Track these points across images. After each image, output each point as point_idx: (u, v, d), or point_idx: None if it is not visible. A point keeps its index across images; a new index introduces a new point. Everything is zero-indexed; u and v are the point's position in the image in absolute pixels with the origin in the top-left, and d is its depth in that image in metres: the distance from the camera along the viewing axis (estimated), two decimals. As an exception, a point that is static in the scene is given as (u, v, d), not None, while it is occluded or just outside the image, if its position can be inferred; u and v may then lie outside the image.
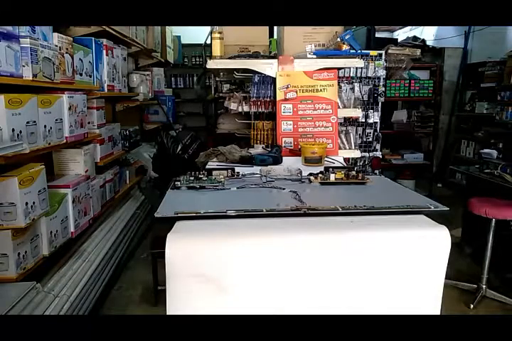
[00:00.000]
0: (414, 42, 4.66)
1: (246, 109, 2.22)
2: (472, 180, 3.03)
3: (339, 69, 2.43)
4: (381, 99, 3.08)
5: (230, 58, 2.22)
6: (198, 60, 6.03)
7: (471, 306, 2.37)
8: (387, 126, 4.25)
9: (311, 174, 1.53)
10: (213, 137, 2.61)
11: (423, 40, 4.83)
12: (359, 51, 2.21)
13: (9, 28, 1.55)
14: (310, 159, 1.80)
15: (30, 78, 1.68)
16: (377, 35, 4.41)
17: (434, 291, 1.05)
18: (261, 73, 2.14)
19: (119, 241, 2.71)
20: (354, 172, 1.48)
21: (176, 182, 1.39)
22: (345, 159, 2.09)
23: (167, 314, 0.99)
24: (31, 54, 1.66)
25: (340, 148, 2.32)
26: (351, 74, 2.99)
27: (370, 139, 2.97)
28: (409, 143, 4.94)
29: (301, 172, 1.55)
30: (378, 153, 3.01)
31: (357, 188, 1.43)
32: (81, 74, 2.26)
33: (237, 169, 1.61)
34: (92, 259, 2.24)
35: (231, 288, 1.00)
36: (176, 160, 2.59)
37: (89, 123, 2.42)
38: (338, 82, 2.53)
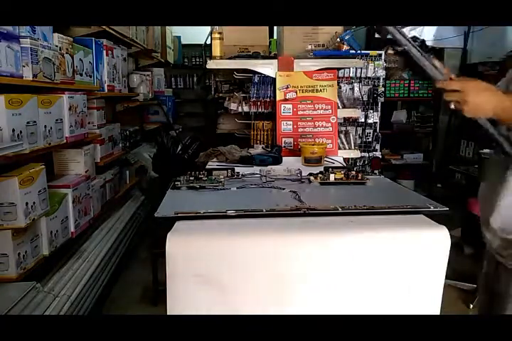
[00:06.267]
0: (414, 42, 4.66)
1: (246, 109, 2.22)
2: (472, 180, 3.03)
3: (339, 69, 2.43)
4: (381, 100, 3.09)
5: (229, 58, 2.22)
6: (198, 60, 6.03)
7: (471, 306, 2.37)
8: (386, 126, 4.25)
9: (310, 174, 1.52)
10: (213, 137, 2.61)
11: (423, 41, 4.82)
12: (359, 51, 2.21)
13: (9, 28, 1.55)
14: (310, 159, 1.80)
15: (31, 78, 1.68)
16: (377, 35, 4.40)
17: (434, 291, 1.05)
18: (261, 73, 2.14)
19: (119, 241, 2.71)
20: (354, 173, 1.48)
21: (176, 182, 1.39)
22: (344, 159, 2.09)
23: (167, 314, 0.99)
24: (31, 54, 1.66)
25: (339, 148, 2.32)
26: (351, 75, 2.99)
27: (370, 139, 2.97)
28: (409, 143, 4.95)
29: (300, 173, 1.55)
30: (378, 153, 3.02)
31: (357, 188, 1.43)
32: (81, 75, 2.26)
33: (237, 169, 1.60)
34: (92, 259, 2.24)
35: (231, 287, 1.00)
36: (176, 160, 2.59)
37: (89, 123, 2.43)
38: (338, 82, 2.53)
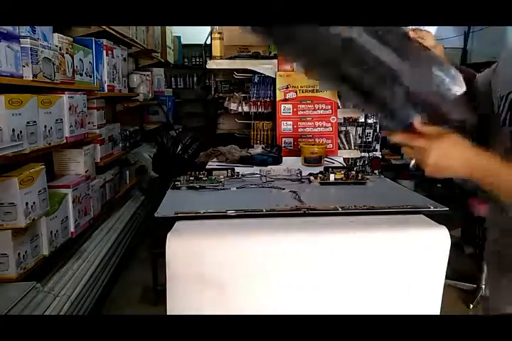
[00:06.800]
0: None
1: (246, 109, 2.23)
2: (472, 180, 3.03)
3: (339, 69, 2.43)
4: (381, 99, 3.07)
5: (229, 58, 2.23)
6: (198, 60, 6.03)
7: (471, 306, 2.37)
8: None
9: (310, 174, 1.52)
10: (213, 137, 2.61)
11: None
12: (359, 51, 2.20)
13: (9, 28, 1.55)
14: (310, 159, 1.80)
15: (31, 78, 1.68)
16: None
17: (433, 291, 1.05)
18: (261, 73, 2.14)
19: (119, 241, 2.71)
20: (354, 173, 1.48)
21: (176, 182, 1.39)
22: (344, 159, 2.09)
23: (167, 314, 0.99)
24: (31, 54, 1.66)
25: (339, 148, 2.32)
26: (351, 75, 2.98)
27: (370, 139, 2.96)
28: (409, 144, 4.94)
29: (300, 173, 1.55)
30: (378, 153, 3.00)
31: (357, 188, 1.43)
32: (81, 75, 2.26)
33: (237, 169, 1.60)
34: (92, 259, 2.24)
35: (231, 287, 1.00)
36: (176, 160, 2.59)
37: (89, 123, 2.43)
38: (338, 82, 2.52)
